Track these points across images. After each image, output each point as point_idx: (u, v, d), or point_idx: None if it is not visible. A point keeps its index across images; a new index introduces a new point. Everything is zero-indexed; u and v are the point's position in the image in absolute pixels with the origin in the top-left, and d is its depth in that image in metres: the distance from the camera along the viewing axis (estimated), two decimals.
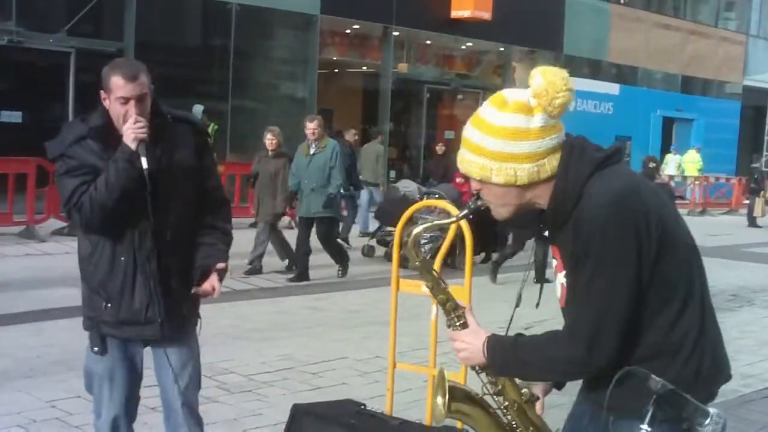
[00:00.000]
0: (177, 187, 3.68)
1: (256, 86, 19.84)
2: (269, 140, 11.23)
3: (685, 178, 25.76)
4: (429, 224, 2.75)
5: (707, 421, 2.14)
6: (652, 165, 11.92)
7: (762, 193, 21.72)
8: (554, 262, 2.56)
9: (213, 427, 5.11)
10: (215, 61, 18.83)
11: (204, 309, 3.90)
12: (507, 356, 2.48)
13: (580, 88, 26.08)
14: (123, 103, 3.52)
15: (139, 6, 16.86)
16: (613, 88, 27.11)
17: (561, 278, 2.49)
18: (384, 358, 5.95)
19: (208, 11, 19.83)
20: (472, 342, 2.53)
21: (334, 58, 21.83)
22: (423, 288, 4.92)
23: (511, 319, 2.65)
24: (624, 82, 28.05)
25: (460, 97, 25.02)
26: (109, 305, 3.65)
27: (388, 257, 12.30)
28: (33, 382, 6.21)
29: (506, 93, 2.42)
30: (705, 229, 17.61)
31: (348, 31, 21.68)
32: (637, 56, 28.59)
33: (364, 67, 23.06)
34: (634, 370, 2.20)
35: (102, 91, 3.58)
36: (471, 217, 2.67)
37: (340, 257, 11.44)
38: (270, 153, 11.26)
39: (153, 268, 3.64)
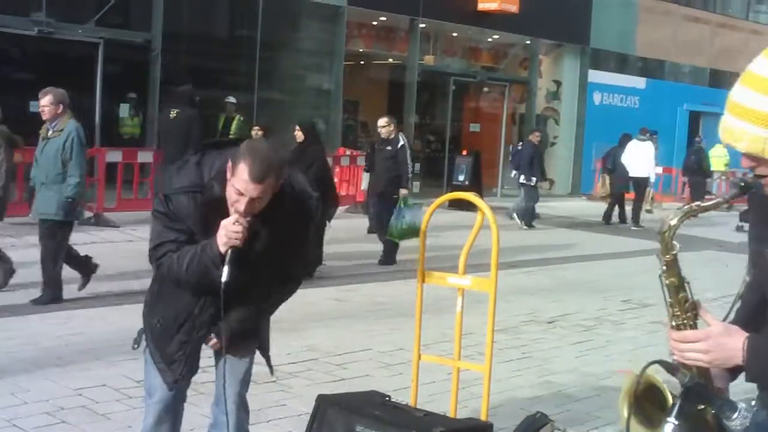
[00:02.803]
0: (257, 280, 3.66)
1: (282, 78, 19.85)
2: None
3: (711, 173, 25.55)
4: (689, 209, 2.33)
5: (735, 415, 2.13)
6: None
7: None
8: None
9: None
10: (242, 53, 18.86)
11: None
12: None
13: (605, 82, 25.98)
14: (237, 193, 3.34)
15: None
16: (639, 82, 26.94)
17: None
18: (408, 350, 5.96)
19: (236, 2, 19.90)
20: (726, 342, 2.20)
21: (361, 50, 21.81)
22: (448, 280, 4.93)
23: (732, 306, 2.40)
24: (651, 76, 27.82)
25: (486, 89, 24.91)
26: (159, 324, 3.80)
27: None
28: (60, 371, 6.28)
29: None
30: (732, 225, 17.49)
31: (374, 23, 21.64)
32: (664, 50, 28.32)
33: (390, 59, 23.01)
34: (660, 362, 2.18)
35: (230, 161, 3.36)
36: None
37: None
38: None
39: (196, 338, 3.76)
